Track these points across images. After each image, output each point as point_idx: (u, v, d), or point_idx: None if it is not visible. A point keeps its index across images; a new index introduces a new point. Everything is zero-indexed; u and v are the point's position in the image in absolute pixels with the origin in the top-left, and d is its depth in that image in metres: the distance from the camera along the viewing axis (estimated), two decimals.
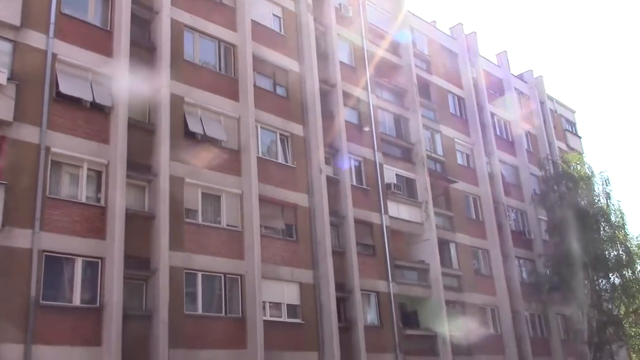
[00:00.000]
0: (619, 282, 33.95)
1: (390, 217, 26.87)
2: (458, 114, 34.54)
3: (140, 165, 18.28)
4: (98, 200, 17.34)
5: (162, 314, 17.07)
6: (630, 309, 34.14)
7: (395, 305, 25.27)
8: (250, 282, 19.83)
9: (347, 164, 25.24)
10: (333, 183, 24.66)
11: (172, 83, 19.75)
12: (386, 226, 26.30)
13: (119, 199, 16.99)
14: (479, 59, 37.28)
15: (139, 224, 17.80)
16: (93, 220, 16.87)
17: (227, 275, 19.72)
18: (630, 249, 33.47)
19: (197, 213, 19.71)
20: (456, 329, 27.53)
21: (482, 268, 31.60)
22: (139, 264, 17.55)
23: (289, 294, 21.67)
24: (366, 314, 24.30)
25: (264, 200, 21.42)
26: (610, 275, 34.20)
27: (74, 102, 17.48)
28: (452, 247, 30.05)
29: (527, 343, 31.49)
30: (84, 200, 17.01)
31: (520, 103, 40.06)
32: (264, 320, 19.80)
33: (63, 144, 16.86)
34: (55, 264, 15.99)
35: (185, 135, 20.04)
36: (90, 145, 17.39)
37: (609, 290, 34.62)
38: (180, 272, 18.32)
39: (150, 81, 19.31)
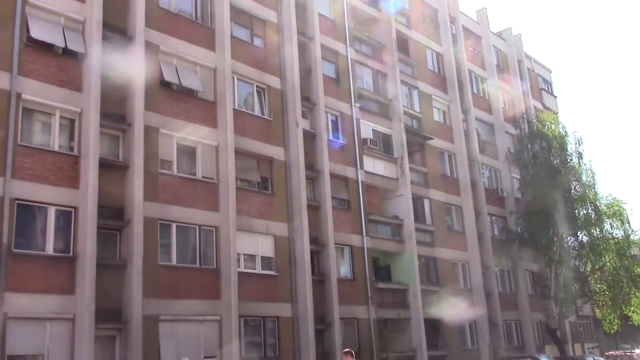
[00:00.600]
0: (587, 240, 34.74)
1: (366, 172, 26.99)
2: (436, 70, 34.46)
3: (114, 114, 18.00)
4: (71, 149, 17.09)
5: (137, 264, 17.09)
6: (597, 266, 35.04)
7: (369, 259, 25.60)
8: (225, 234, 19.88)
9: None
10: (309, 136, 24.59)
11: (147, 31, 19.33)
12: (361, 181, 26.44)
13: (93, 148, 16.78)
14: (459, 15, 37.04)
15: (113, 173, 17.63)
16: (66, 169, 16.65)
17: (202, 227, 19.74)
18: (600, 208, 34.14)
19: (172, 164, 19.57)
20: (427, 283, 28.06)
21: (454, 224, 32.05)
22: (112, 213, 17.46)
23: (264, 247, 21.81)
24: (340, 267, 24.60)
25: (239, 153, 21.32)
26: (579, 233, 34.96)
27: (46, 47, 17.03)
28: (426, 203, 30.37)
29: (496, 298, 32.29)
30: (56, 148, 16.75)
31: (498, 60, 40.09)
32: (239, 272, 19.95)
33: (35, 91, 16.49)
34: (28, 212, 15.83)
35: (161, 85, 19.73)
36: (62, 92, 17.04)
37: (576, 248, 35.45)
38: (154, 222, 18.27)
39: (125, 28, 18.87)
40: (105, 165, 17.25)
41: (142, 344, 16.66)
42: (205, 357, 18.68)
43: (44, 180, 16.13)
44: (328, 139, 25.28)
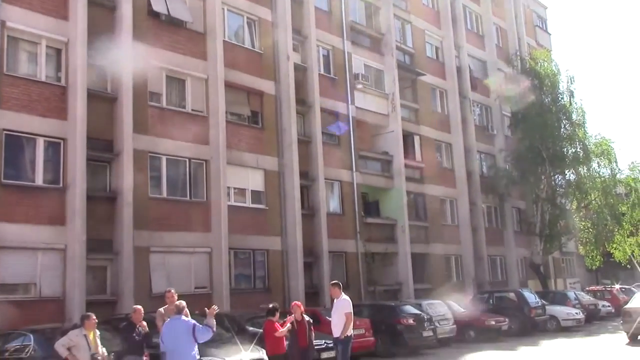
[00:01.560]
0: (574, 179, 35.07)
1: (357, 107, 26.84)
2: (430, 5, 33.84)
3: (102, 44, 17.64)
4: (58, 79, 16.82)
5: (127, 196, 17.14)
6: (582, 204, 35.52)
7: (358, 194, 25.82)
8: (215, 168, 19.89)
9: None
10: (300, 71, 24.31)
11: None
12: (352, 116, 26.33)
13: (80, 78, 16.53)
14: None
15: (102, 105, 17.45)
16: (53, 100, 16.44)
17: (192, 160, 19.73)
18: (588, 147, 34.31)
19: (161, 96, 19.36)
20: (415, 218, 28.40)
21: (444, 161, 32.21)
22: (102, 146, 17.37)
23: (254, 181, 21.88)
24: (329, 202, 24.81)
25: (229, 86, 21.09)
26: (566, 171, 35.25)
27: None
28: (416, 139, 30.38)
29: (482, 233, 32.83)
30: (43, 79, 16.48)
31: None
32: (229, 205, 20.08)
33: (20, 19, 16.08)
34: (16, 143, 15.72)
35: (149, 15, 19.30)
36: (48, 21, 16.63)
37: (563, 186, 35.80)
38: (144, 155, 18.22)
39: None
40: (93, 97, 17.05)
41: (133, 274, 16.91)
42: (195, 288, 19.02)
43: (32, 111, 15.94)
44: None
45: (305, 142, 23.81)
